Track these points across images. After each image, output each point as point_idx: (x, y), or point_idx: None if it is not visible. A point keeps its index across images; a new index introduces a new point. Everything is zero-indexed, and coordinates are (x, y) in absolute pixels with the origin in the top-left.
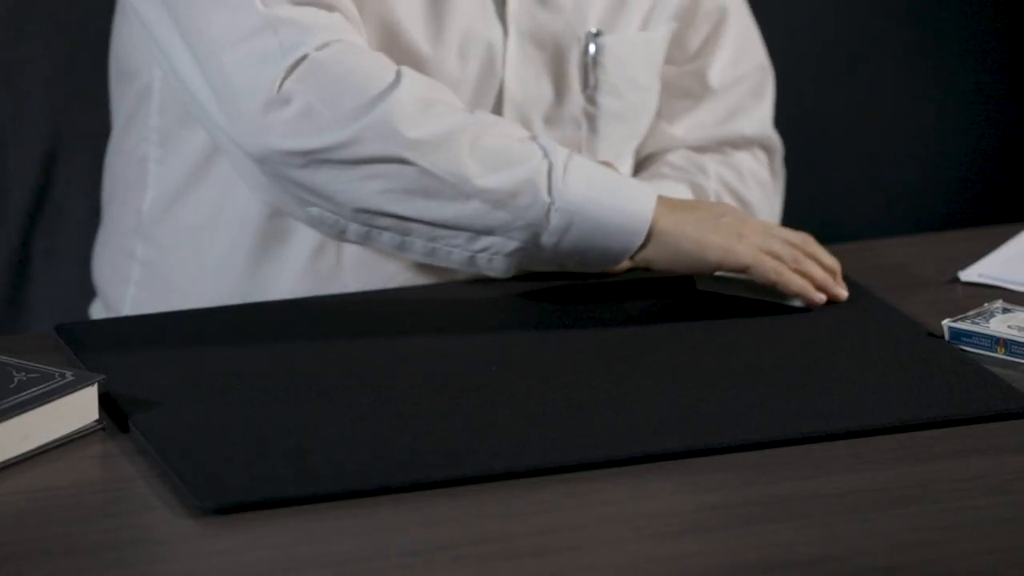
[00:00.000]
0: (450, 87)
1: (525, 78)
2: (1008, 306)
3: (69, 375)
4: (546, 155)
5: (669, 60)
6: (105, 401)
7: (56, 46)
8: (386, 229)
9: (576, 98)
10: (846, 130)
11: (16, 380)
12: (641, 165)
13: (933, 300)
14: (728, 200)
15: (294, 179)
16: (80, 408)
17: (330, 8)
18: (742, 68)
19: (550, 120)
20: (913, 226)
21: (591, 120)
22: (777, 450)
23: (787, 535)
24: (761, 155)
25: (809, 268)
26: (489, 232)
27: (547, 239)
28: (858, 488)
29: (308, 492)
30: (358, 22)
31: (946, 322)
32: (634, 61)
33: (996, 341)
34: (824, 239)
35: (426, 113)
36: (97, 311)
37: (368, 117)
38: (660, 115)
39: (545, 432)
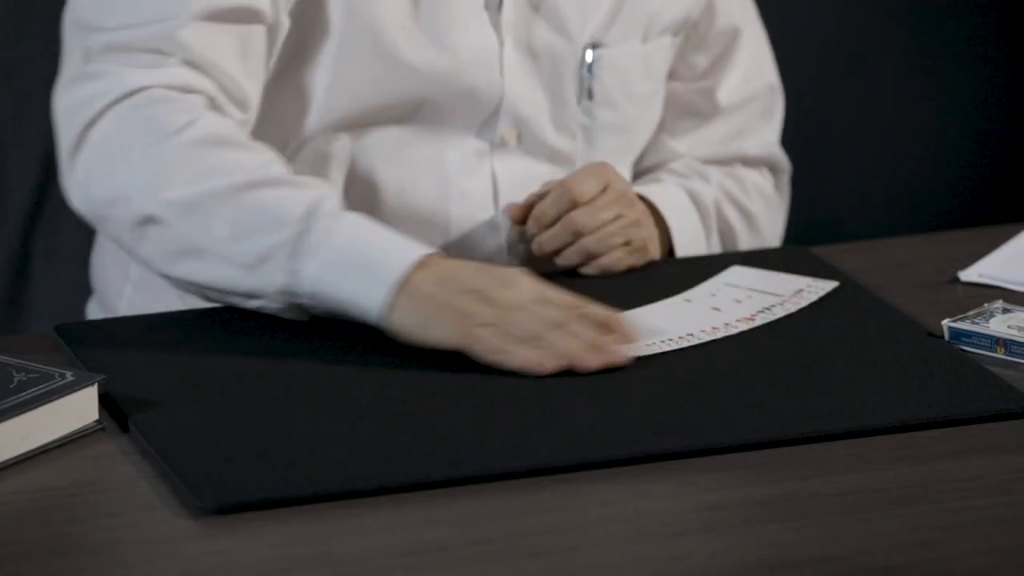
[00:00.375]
0: (449, 99)
1: (524, 89)
2: (1008, 306)
3: (69, 375)
4: (308, 219)
5: (677, 77)
6: (105, 401)
7: (56, 46)
8: (179, 288)
9: (572, 110)
10: (846, 130)
11: (16, 380)
12: (641, 175)
13: (933, 300)
14: (732, 213)
15: (100, 230)
16: (80, 408)
17: (161, 53)
18: (752, 88)
19: (544, 133)
20: (913, 226)
21: (587, 132)
22: (777, 450)
23: (787, 535)
24: (766, 173)
25: (576, 330)
26: (250, 295)
27: (305, 301)
28: (858, 488)
29: (308, 492)
30: (199, 59)
31: (946, 322)
32: (631, 73)
33: (996, 341)
34: (824, 239)
35: (193, 170)
36: (93, 310)
37: (133, 175)
38: (664, 130)
39: (545, 432)
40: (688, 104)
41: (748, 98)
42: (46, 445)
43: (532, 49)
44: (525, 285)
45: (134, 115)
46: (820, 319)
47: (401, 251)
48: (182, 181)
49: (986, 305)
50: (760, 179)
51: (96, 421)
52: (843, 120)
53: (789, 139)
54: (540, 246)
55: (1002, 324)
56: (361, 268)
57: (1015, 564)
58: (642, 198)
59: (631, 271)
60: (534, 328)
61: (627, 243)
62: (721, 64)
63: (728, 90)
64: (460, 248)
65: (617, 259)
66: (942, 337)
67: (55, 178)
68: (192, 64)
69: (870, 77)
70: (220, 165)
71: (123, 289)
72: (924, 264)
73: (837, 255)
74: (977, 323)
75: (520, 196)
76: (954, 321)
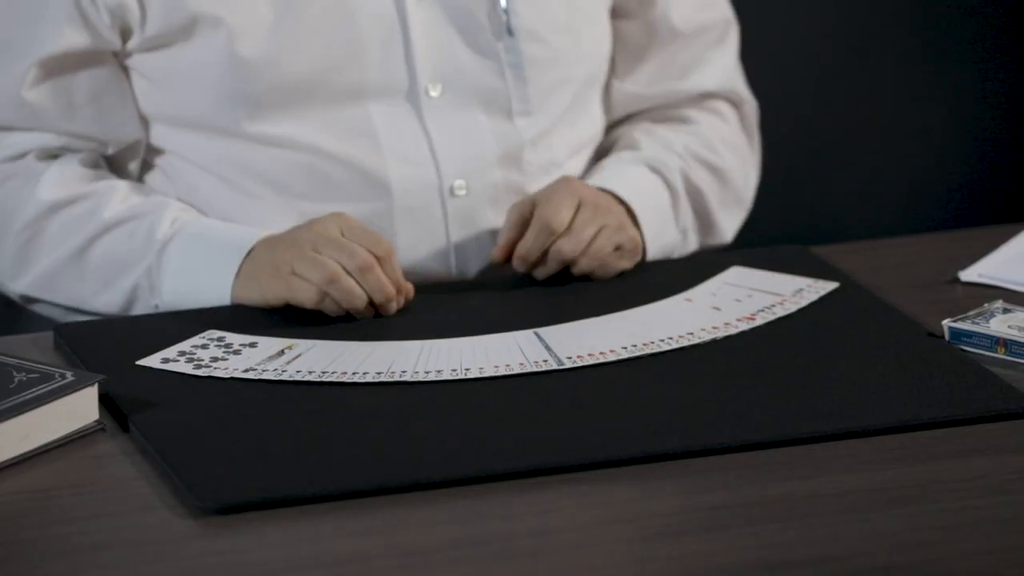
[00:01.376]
0: (352, 61)
1: (435, 38)
2: (1008, 306)
3: (69, 375)
4: (148, 252)
5: (622, 13)
6: (105, 401)
7: None
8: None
9: (494, 49)
10: (847, 131)
11: (16, 380)
12: (608, 141)
13: (933, 300)
14: (701, 174)
15: None
16: (80, 408)
17: (6, 128)
18: (706, 16)
19: (470, 76)
20: (913, 226)
21: (515, 69)
22: (777, 450)
23: (787, 535)
24: (729, 112)
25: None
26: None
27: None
28: (858, 488)
29: (308, 492)
30: (31, 125)
31: (946, 322)
32: (552, 4)
33: (996, 341)
34: (824, 239)
35: (28, 256)
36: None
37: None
38: (618, 75)
39: (545, 432)
40: (639, 38)
41: (703, 26)
42: (46, 445)
43: None
44: (321, 225)
45: None
46: (820, 319)
47: (236, 239)
48: (28, 268)
49: (986, 305)
50: (724, 127)
51: (96, 421)
52: (844, 120)
53: (790, 139)
54: (537, 277)
55: (1002, 324)
56: (203, 276)
57: (1015, 564)
58: (607, 192)
59: (631, 271)
60: (290, 260)
61: (618, 248)
62: None
63: (681, 14)
64: (407, 209)
65: (613, 267)
66: (942, 337)
67: None
68: (28, 129)
69: (870, 77)
70: (57, 235)
71: None
72: (924, 264)
73: (837, 255)
74: (977, 323)
75: (458, 149)
76: (954, 321)
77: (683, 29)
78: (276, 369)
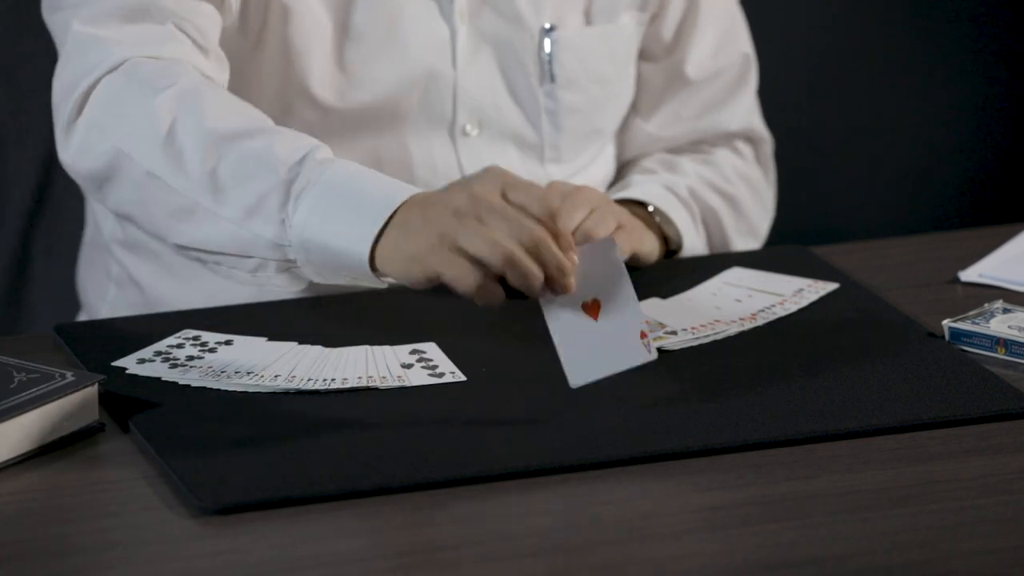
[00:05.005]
0: (401, 94)
1: (481, 77)
2: (1008, 306)
3: (69, 375)
4: (299, 164)
5: (648, 56)
6: (105, 401)
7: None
8: (184, 249)
9: (535, 94)
10: (847, 130)
11: (16, 380)
12: (619, 171)
13: (933, 300)
14: (713, 198)
15: (99, 200)
16: (80, 408)
17: (147, 16)
18: (722, 59)
19: (508, 120)
20: (913, 226)
21: (552, 115)
22: (777, 450)
23: (787, 535)
24: (745, 148)
25: (538, 259)
26: (245, 254)
27: (296, 255)
28: (858, 488)
29: (308, 492)
30: (182, 22)
31: (946, 322)
32: (593, 54)
33: (996, 341)
34: (824, 239)
35: (183, 120)
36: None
37: (127, 128)
38: (637, 113)
39: (545, 432)
40: (658, 82)
41: (719, 69)
42: (46, 445)
43: (487, 36)
44: (481, 186)
45: (122, 82)
46: (820, 319)
47: (389, 192)
48: (172, 128)
49: (986, 305)
50: (739, 162)
51: (96, 421)
52: (843, 120)
53: (790, 140)
54: None
55: (1002, 324)
56: (348, 211)
57: (1015, 564)
58: (623, 202)
59: (631, 271)
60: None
61: (619, 227)
62: (685, 35)
63: (696, 61)
64: None
65: (620, 244)
66: (942, 337)
67: (55, 179)
68: (177, 26)
69: (870, 77)
70: (210, 113)
71: (105, 291)
72: (924, 264)
73: (837, 255)
74: (977, 323)
75: None
76: (954, 321)
77: (698, 76)
78: (274, 376)
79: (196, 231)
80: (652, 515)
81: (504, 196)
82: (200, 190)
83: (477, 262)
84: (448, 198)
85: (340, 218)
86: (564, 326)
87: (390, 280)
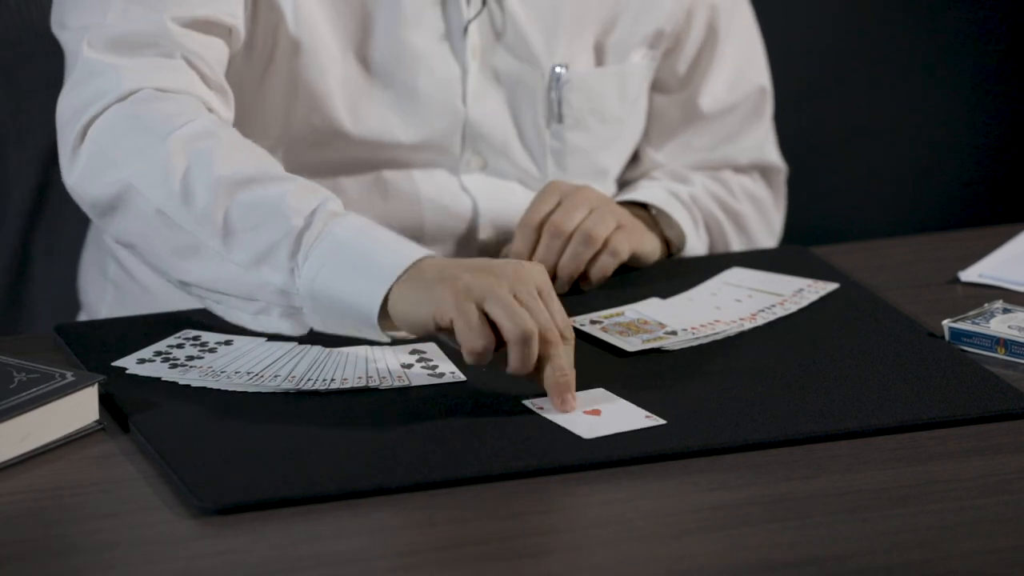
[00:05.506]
0: (409, 124)
1: (489, 115)
2: (1008, 306)
3: (69, 375)
4: (311, 215)
5: (662, 88)
6: (105, 401)
7: (56, 46)
8: (186, 285)
9: (541, 134)
10: (847, 131)
11: (16, 380)
12: (623, 186)
13: (933, 300)
14: (717, 210)
15: (101, 226)
16: (80, 408)
17: (156, 46)
18: (738, 92)
19: (513, 157)
20: (913, 226)
21: (557, 155)
22: (777, 450)
23: (787, 535)
24: (757, 177)
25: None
26: (250, 297)
27: (303, 303)
28: (858, 488)
29: (308, 492)
30: (191, 55)
31: (946, 322)
32: (604, 94)
33: (996, 341)
34: (824, 239)
35: (194, 164)
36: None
37: (137, 165)
38: (648, 141)
39: (545, 432)
40: (672, 116)
41: (735, 104)
42: (46, 445)
43: (499, 75)
44: (527, 272)
45: (132, 113)
46: (820, 319)
47: (404, 250)
48: (183, 172)
49: (986, 305)
50: (749, 183)
51: (96, 421)
52: (844, 120)
53: (790, 139)
54: (547, 262)
55: (1002, 324)
56: (361, 267)
57: (1015, 564)
58: (624, 204)
59: (631, 271)
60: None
61: (619, 227)
62: (701, 69)
63: (711, 96)
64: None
65: (619, 245)
66: (942, 337)
67: (55, 179)
68: (186, 60)
69: (871, 78)
70: (220, 158)
71: (104, 292)
72: (924, 264)
73: (837, 255)
74: (977, 323)
75: (498, 208)
76: (954, 321)
77: (712, 109)
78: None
79: (202, 270)
80: (652, 515)
81: (539, 293)
82: (209, 233)
83: (490, 325)
84: (485, 263)
85: (351, 272)
86: (566, 420)
87: (393, 334)
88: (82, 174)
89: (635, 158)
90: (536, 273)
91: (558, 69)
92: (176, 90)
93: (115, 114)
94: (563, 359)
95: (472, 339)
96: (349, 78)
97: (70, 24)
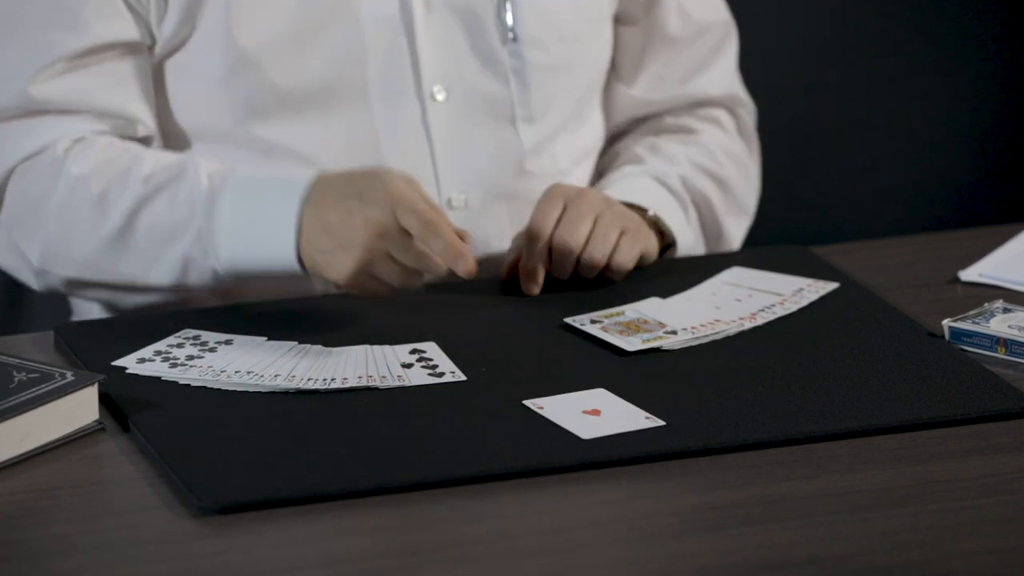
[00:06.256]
0: (357, 65)
1: (439, 44)
2: (1008, 306)
3: (69, 375)
4: (194, 216)
5: (626, 20)
6: (105, 401)
7: None
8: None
9: (499, 55)
10: (846, 131)
11: (16, 380)
12: (610, 150)
13: (933, 300)
14: (705, 182)
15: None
16: (80, 408)
17: (29, 113)
18: (707, 17)
19: (475, 81)
20: (913, 226)
21: (519, 74)
22: (777, 450)
23: (787, 535)
24: (728, 120)
25: (430, 244)
26: (186, 290)
27: (236, 282)
28: (858, 488)
29: (308, 492)
30: (67, 106)
31: (946, 322)
32: (557, 12)
33: (996, 341)
34: (824, 239)
35: (70, 241)
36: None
37: (38, 250)
38: (619, 78)
39: (545, 432)
40: (639, 45)
41: (701, 29)
42: (46, 445)
43: (448, 4)
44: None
45: (12, 199)
46: (820, 319)
47: (287, 177)
48: (73, 253)
49: (986, 305)
50: (723, 137)
51: (96, 421)
52: (843, 121)
53: (790, 138)
54: (560, 276)
55: (1002, 324)
56: (260, 228)
57: (1015, 564)
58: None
59: (632, 271)
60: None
61: (623, 232)
62: None
63: (676, 19)
64: None
65: (626, 252)
66: (942, 337)
67: None
68: (63, 112)
69: (870, 77)
70: (98, 213)
71: (92, 311)
72: (924, 264)
73: (837, 255)
74: (977, 323)
75: (459, 160)
76: (954, 321)
77: (681, 35)
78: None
79: (143, 299)
80: (652, 515)
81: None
82: (130, 279)
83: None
84: (358, 189)
85: (257, 227)
86: (566, 420)
87: (321, 283)
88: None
89: (609, 98)
90: (387, 227)
91: None
92: (43, 147)
93: (5, 207)
94: (439, 240)
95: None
96: (285, 21)
97: None
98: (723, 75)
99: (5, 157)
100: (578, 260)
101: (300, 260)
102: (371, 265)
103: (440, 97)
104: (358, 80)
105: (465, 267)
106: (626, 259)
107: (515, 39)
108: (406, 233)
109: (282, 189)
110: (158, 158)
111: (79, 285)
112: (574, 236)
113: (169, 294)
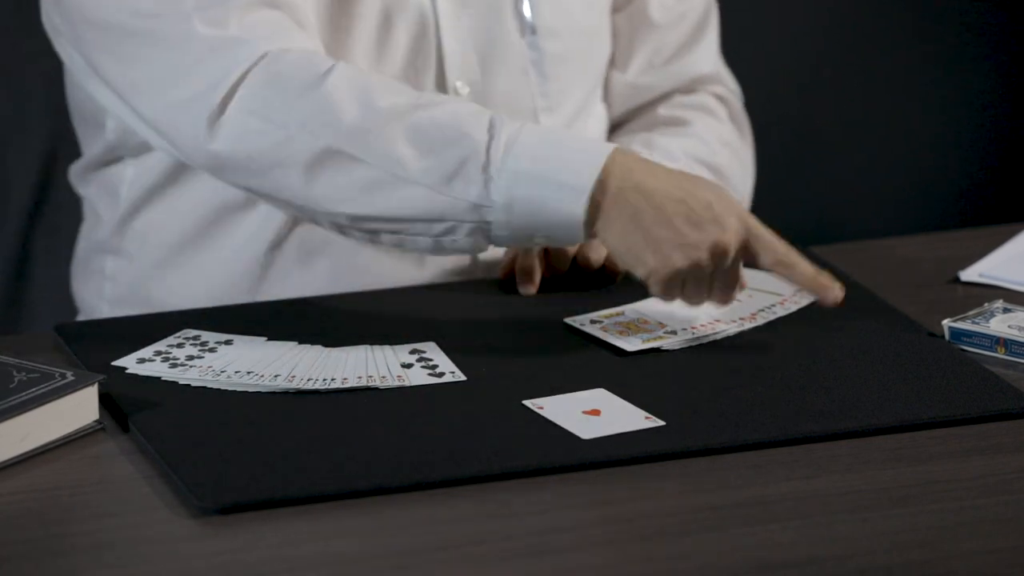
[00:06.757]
0: (386, 59)
1: (462, 38)
2: (1008, 306)
3: (69, 375)
4: (490, 129)
5: (615, 7)
6: (105, 401)
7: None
8: (350, 227)
9: (518, 46)
10: (846, 131)
11: (16, 380)
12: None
13: (933, 300)
14: (701, 171)
15: (252, 188)
16: (80, 408)
17: (272, 5)
18: (685, 2)
19: (496, 74)
20: (913, 226)
21: (537, 65)
22: (777, 450)
23: (787, 535)
24: (718, 107)
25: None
26: (439, 218)
27: (495, 217)
28: (858, 488)
29: (308, 492)
30: (302, 11)
31: (946, 322)
32: (570, 4)
33: (996, 341)
34: (824, 239)
35: (357, 101)
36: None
37: (298, 113)
38: (614, 66)
39: (545, 432)
40: (626, 32)
41: (683, 12)
42: (46, 445)
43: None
44: (730, 227)
45: (273, 73)
46: (820, 319)
47: (592, 148)
48: (351, 110)
49: (986, 305)
50: (717, 126)
51: (96, 421)
52: (844, 120)
53: (790, 139)
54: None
55: (1002, 324)
56: (556, 171)
57: (1015, 564)
58: None
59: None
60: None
61: None
62: None
63: (659, 4)
64: None
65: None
66: (942, 337)
67: (55, 178)
68: (285, 13)
69: (870, 77)
70: (380, 92)
71: (100, 308)
72: (924, 264)
73: (837, 255)
74: (977, 323)
75: None
76: (954, 321)
77: (663, 20)
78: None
79: (384, 202)
80: (652, 515)
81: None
82: (392, 163)
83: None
84: (688, 233)
85: (550, 178)
86: (566, 420)
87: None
88: (232, 136)
89: (607, 88)
90: (733, 229)
91: None
92: (297, 47)
93: (258, 76)
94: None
95: (665, 291)
96: (326, 11)
97: (146, 10)
98: (709, 53)
99: (249, 47)
100: (574, 259)
101: (592, 213)
102: (688, 274)
103: (463, 92)
104: (386, 73)
105: (834, 296)
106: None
107: (533, 31)
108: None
109: (580, 162)
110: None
111: (325, 158)
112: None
113: (418, 199)
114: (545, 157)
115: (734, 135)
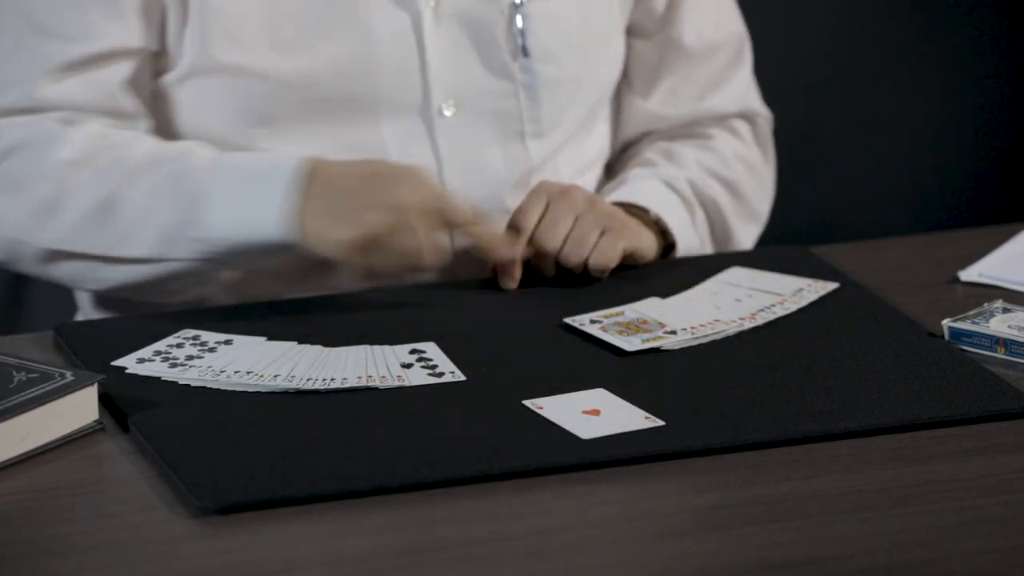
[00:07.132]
0: (366, 77)
1: (449, 58)
2: (1008, 306)
3: (69, 375)
4: (182, 185)
5: (641, 32)
6: (105, 401)
7: None
8: (108, 291)
9: (509, 70)
10: (847, 130)
11: (16, 380)
12: (622, 155)
13: (933, 300)
14: (713, 185)
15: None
16: (80, 408)
17: (32, 112)
18: (720, 33)
19: (483, 97)
20: (913, 226)
21: (529, 90)
22: (777, 450)
23: (787, 535)
24: (743, 128)
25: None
26: (177, 276)
27: (222, 253)
28: (858, 488)
29: (308, 492)
30: (71, 112)
31: (946, 322)
32: (567, 24)
33: (996, 341)
34: (824, 239)
35: (52, 208)
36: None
37: (16, 219)
38: (633, 91)
39: (544, 432)
40: (654, 58)
41: (717, 44)
42: (46, 445)
43: (454, 15)
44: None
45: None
46: (820, 319)
47: (279, 161)
48: (53, 219)
49: (986, 305)
50: (738, 144)
51: (96, 421)
52: (844, 120)
53: (790, 138)
54: (545, 274)
55: (1002, 324)
56: (251, 193)
57: (1015, 564)
58: (620, 205)
59: (631, 270)
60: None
61: (603, 232)
62: (680, 4)
63: (694, 32)
64: None
65: (605, 252)
66: (942, 337)
67: None
68: (66, 120)
69: (870, 77)
70: (84, 180)
71: (100, 308)
72: (924, 264)
73: (837, 255)
74: (977, 323)
75: (466, 176)
76: (954, 321)
77: (697, 50)
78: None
79: (119, 275)
80: (652, 515)
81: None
82: (108, 247)
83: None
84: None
85: (249, 202)
86: (566, 420)
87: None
88: None
89: (624, 111)
90: (415, 213)
91: (517, 1)
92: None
93: None
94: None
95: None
96: (296, 33)
97: None
98: (738, 91)
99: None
100: (557, 260)
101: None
102: (392, 234)
103: (448, 113)
104: (367, 94)
105: (508, 253)
106: (605, 259)
107: (526, 54)
108: (439, 216)
109: (275, 166)
110: (156, 141)
111: (56, 255)
112: (551, 238)
113: (150, 268)
114: (241, 220)
115: (756, 155)
